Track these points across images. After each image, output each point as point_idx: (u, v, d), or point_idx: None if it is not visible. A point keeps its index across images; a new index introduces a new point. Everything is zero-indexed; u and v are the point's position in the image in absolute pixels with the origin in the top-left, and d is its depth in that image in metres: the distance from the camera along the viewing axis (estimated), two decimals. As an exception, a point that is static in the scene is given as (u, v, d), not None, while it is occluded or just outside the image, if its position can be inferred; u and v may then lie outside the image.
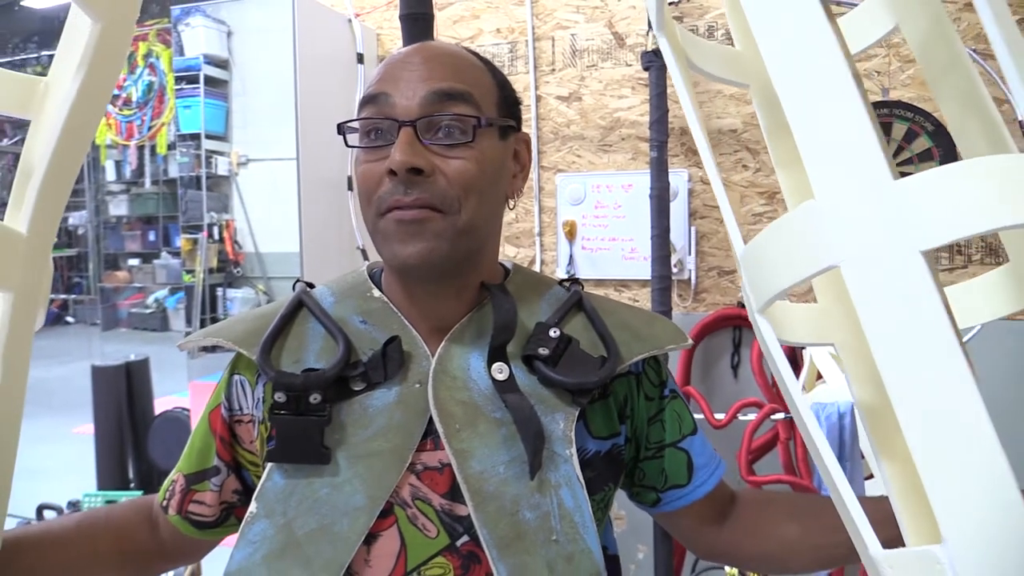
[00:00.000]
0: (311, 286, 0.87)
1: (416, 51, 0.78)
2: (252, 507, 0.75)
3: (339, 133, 0.78)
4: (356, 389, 0.76)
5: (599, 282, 2.58)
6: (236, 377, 0.85)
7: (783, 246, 0.43)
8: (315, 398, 0.74)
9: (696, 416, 2.38)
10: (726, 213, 0.53)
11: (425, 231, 0.72)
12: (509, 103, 0.82)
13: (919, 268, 0.37)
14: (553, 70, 2.64)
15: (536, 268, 2.66)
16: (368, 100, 0.76)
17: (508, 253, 2.72)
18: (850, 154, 0.39)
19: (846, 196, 0.39)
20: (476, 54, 0.82)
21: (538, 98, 2.65)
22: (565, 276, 2.55)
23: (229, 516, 0.86)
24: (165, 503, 0.87)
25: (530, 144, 0.86)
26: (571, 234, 2.59)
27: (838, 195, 0.39)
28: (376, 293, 0.83)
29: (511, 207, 0.84)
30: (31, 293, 0.58)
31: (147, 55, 7.00)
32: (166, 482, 0.89)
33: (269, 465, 0.76)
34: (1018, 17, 2.15)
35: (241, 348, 0.80)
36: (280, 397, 0.74)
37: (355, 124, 0.77)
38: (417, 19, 1.70)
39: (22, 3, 7.19)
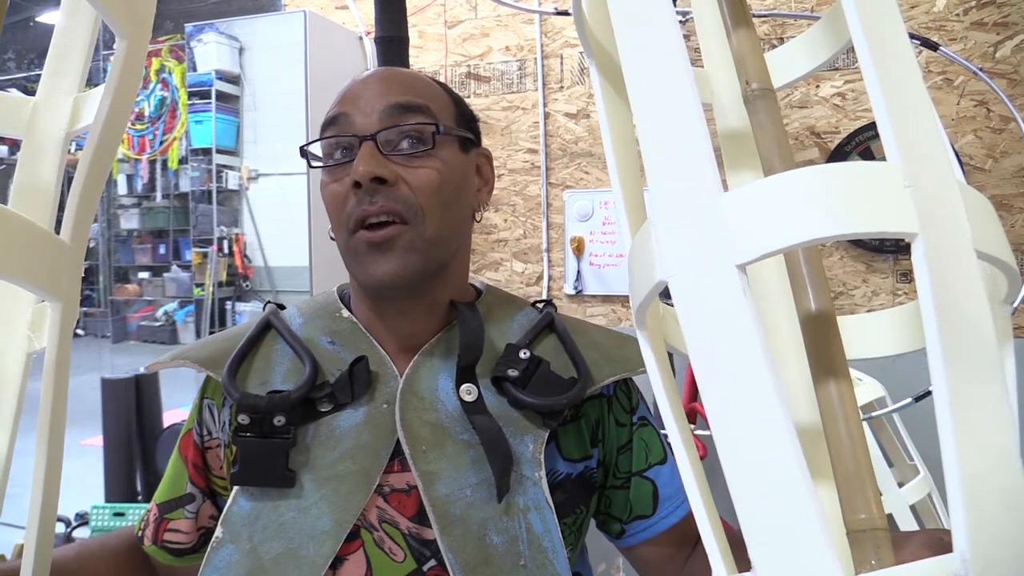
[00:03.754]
0: (282, 307, 0.86)
1: (372, 73, 0.80)
2: (217, 532, 0.73)
3: (302, 156, 0.78)
4: (323, 410, 0.75)
5: (606, 298, 2.58)
6: (205, 401, 0.84)
7: (635, 262, 0.42)
8: (279, 420, 0.72)
9: (704, 433, 2.37)
10: (622, 225, 0.52)
11: (395, 247, 0.72)
12: (467, 118, 0.82)
13: (733, 283, 0.36)
14: (562, 87, 2.66)
15: (544, 284, 2.66)
16: (328, 123, 0.77)
17: (516, 269, 2.73)
18: (676, 166, 0.38)
19: (672, 211, 0.38)
20: (431, 78, 0.83)
21: (546, 115, 2.67)
22: (572, 292, 2.57)
23: (209, 541, 0.84)
24: (140, 534, 0.86)
25: (492, 159, 0.86)
26: (579, 250, 2.60)
27: (666, 210, 0.38)
28: (345, 313, 0.82)
29: (478, 220, 0.84)
30: (73, 302, 0.59)
31: (160, 70, 7.06)
32: (143, 513, 0.88)
33: (235, 489, 0.74)
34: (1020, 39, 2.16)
35: (207, 369, 0.78)
36: (244, 419, 0.73)
37: (317, 147, 0.77)
38: (392, 42, 1.73)
39: (36, 19, 7.28)
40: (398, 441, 0.73)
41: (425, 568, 0.71)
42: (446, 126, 0.76)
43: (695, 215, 0.37)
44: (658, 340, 0.49)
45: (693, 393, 2.40)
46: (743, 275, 0.36)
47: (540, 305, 0.87)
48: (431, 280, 0.77)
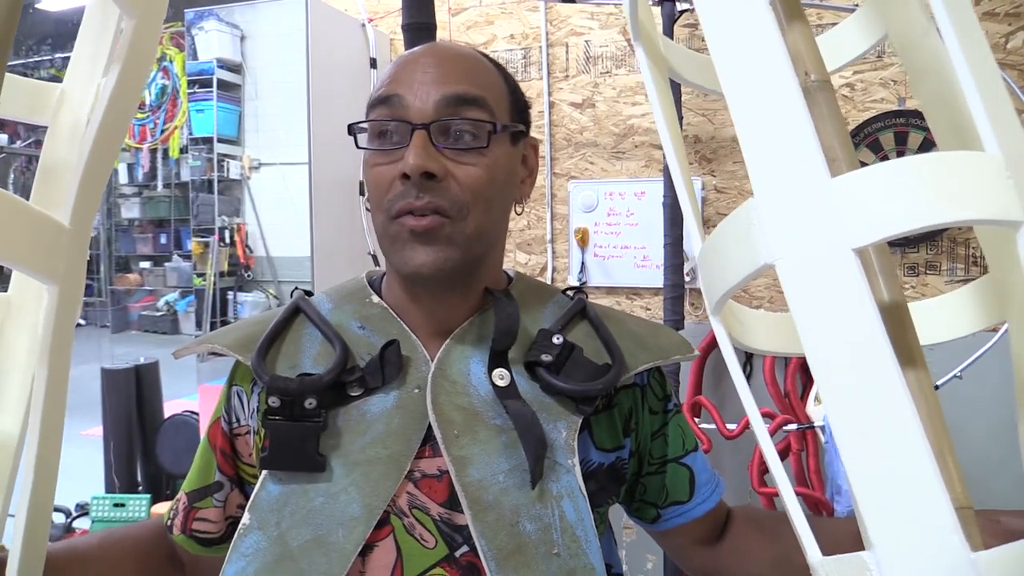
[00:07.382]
0: (309, 294, 0.86)
1: (429, 52, 0.76)
2: (245, 518, 0.73)
3: (349, 134, 0.76)
4: (353, 394, 0.74)
5: (611, 290, 2.56)
6: (234, 388, 0.84)
7: (726, 246, 0.43)
8: (310, 403, 0.72)
9: (708, 427, 2.37)
10: (687, 213, 0.53)
11: (437, 239, 0.71)
12: (520, 107, 0.81)
13: (850, 266, 0.36)
14: (567, 76, 2.63)
15: (548, 275, 2.65)
16: (380, 101, 0.74)
17: (520, 260, 2.71)
18: (784, 151, 0.39)
19: (780, 193, 0.39)
20: (487, 56, 0.80)
21: (551, 104, 2.65)
22: (576, 284, 2.55)
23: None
24: (169, 523, 0.86)
25: (538, 148, 0.84)
26: (583, 241, 2.58)
27: (773, 192, 0.39)
28: (375, 299, 0.82)
29: (518, 212, 0.83)
30: (74, 287, 0.58)
31: (161, 59, 7.03)
32: (172, 501, 0.87)
33: (263, 473, 0.74)
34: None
35: (236, 354, 0.78)
36: (274, 402, 0.72)
37: (366, 125, 0.75)
38: (420, 29, 1.68)
39: (36, 6, 7.24)
40: (429, 427, 0.73)
41: (457, 554, 0.71)
42: (502, 123, 0.74)
43: (807, 197, 0.38)
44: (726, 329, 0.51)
45: (698, 386, 2.39)
46: (858, 259, 0.37)
47: (570, 293, 0.87)
48: (469, 271, 0.76)
